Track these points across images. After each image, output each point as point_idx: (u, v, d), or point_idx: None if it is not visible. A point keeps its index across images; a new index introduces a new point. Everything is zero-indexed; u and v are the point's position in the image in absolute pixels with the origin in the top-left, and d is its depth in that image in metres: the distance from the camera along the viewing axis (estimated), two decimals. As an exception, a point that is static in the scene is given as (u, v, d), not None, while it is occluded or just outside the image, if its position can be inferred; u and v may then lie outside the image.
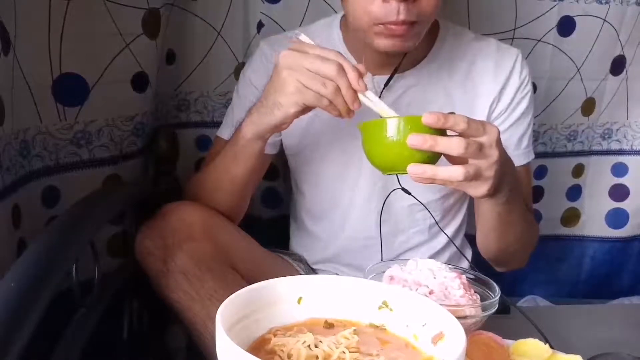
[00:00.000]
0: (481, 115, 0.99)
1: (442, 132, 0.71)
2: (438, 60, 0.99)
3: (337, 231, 1.07)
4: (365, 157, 1.00)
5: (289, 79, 0.76)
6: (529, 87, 1.01)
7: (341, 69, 0.74)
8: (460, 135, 0.70)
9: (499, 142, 0.72)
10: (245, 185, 0.95)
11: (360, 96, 0.76)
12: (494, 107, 1.00)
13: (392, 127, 0.71)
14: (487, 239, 0.97)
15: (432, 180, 0.70)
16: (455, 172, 0.70)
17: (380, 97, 0.96)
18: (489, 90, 1.00)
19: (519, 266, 1.07)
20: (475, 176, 0.71)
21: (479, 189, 0.74)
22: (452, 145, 0.69)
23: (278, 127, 0.83)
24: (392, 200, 1.00)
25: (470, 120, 0.70)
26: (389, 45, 0.85)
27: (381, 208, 0.99)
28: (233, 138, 0.91)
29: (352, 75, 0.74)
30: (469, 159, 0.71)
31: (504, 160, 0.75)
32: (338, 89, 0.75)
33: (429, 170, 0.69)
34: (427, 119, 0.69)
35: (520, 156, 1.03)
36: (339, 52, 0.76)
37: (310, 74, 0.75)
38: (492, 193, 0.75)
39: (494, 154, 0.71)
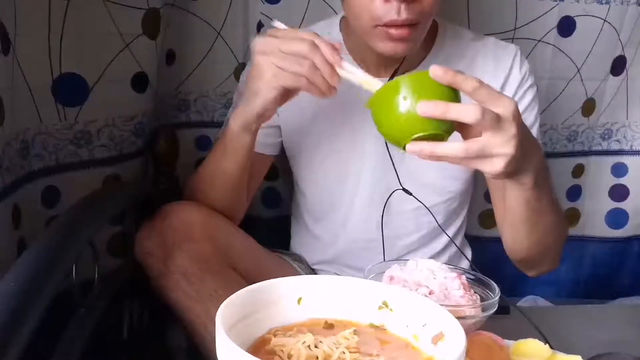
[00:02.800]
0: None
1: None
2: (437, 60, 0.98)
3: (338, 232, 1.07)
4: (365, 157, 1.00)
5: (264, 64, 0.76)
6: (531, 81, 1.00)
7: (314, 45, 0.73)
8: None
9: (517, 116, 0.66)
10: (238, 181, 0.94)
11: (339, 70, 0.74)
12: None
13: (399, 96, 0.64)
14: (518, 234, 0.91)
15: (436, 158, 0.66)
16: (455, 149, 0.65)
17: None
18: None
19: (552, 266, 1.02)
20: (482, 153, 0.66)
21: (494, 166, 0.67)
22: (467, 111, 0.62)
23: (262, 116, 0.82)
24: (396, 203, 1.00)
25: (484, 84, 0.65)
26: (390, 49, 0.85)
27: (382, 210, 0.99)
28: (222, 133, 0.90)
29: (326, 49, 0.73)
30: (483, 133, 0.65)
31: (526, 136, 0.69)
32: (314, 66, 0.73)
33: (426, 147, 0.65)
34: (435, 70, 0.63)
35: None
36: (314, 32, 0.76)
37: (284, 55, 0.74)
38: (513, 172, 0.70)
39: (512, 128, 0.65)
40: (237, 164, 0.90)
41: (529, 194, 0.79)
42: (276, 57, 0.75)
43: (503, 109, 0.65)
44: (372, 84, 0.71)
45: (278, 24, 0.78)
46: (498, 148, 0.65)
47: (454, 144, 0.65)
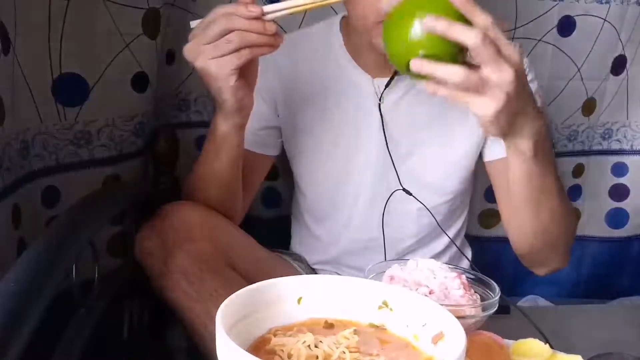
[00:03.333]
0: None
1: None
2: None
3: (338, 233, 1.07)
4: (366, 158, 1.00)
5: (203, 64, 0.74)
6: (531, 76, 0.98)
7: (228, 15, 0.71)
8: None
9: (519, 65, 0.66)
10: (232, 179, 0.93)
11: (267, 17, 0.72)
12: None
13: (409, 14, 0.65)
14: (522, 218, 0.89)
15: (434, 83, 0.65)
16: (455, 71, 0.64)
17: (380, 99, 0.97)
18: None
19: (561, 263, 1.00)
20: (479, 87, 0.65)
21: (486, 107, 0.66)
22: (469, 33, 0.63)
23: (241, 108, 0.81)
24: (396, 204, 1.00)
25: (496, 26, 0.65)
26: None
27: (383, 210, 0.99)
28: (210, 135, 0.89)
29: (240, 10, 0.71)
30: (482, 67, 0.64)
31: (525, 93, 0.69)
32: (242, 33, 0.72)
33: (426, 65, 0.64)
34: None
35: None
36: (222, 5, 0.73)
37: (211, 45, 0.72)
38: (507, 127, 0.70)
39: (510, 71, 0.64)
40: (230, 163, 0.89)
41: (530, 166, 0.78)
42: (206, 51, 0.73)
43: (507, 48, 0.65)
44: (295, 4, 0.72)
45: (193, 23, 0.76)
46: (494, 88, 0.65)
47: (455, 66, 0.64)
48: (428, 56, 0.65)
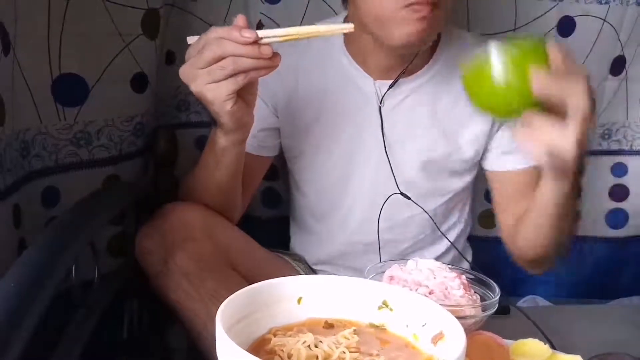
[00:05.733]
0: (487, 119, 0.99)
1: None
2: (441, 64, 0.98)
3: (338, 234, 1.07)
4: (365, 161, 1.00)
5: (199, 89, 0.73)
6: None
7: (221, 41, 0.68)
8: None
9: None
10: (232, 187, 0.93)
11: (262, 41, 0.69)
12: None
13: (498, 65, 0.63)
14: (539, 234, 0.91)
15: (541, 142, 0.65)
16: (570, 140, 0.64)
17: (381, 101, 0.97)
18: None
19: (553, 265, 1.02)
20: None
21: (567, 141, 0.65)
22: (580, 98, 0.65)
23: (240, 127, 0.80)
24: (394, 207, 1.00)
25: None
26: (413, 33, 0.83)
27: (379, 213, 0.99)
28: (209, 146, 0.88)
29: (233, 35, 0.68)
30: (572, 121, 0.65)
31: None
32: (236, 59, 0.69)
33: (537, 119, 0.64)
34: (554, 49, 0.64)
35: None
36: (215, 28, 0.70)
37: (205, 70, 0.70)
38: (567, 170, 0.70)
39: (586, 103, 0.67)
40: (230, 173, 0.89)
41: (567, 186, 0.78)
42: (201, 77, 0.71)
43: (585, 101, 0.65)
44: (292, 32, 0.69)
45: (189, 39, 0.74)
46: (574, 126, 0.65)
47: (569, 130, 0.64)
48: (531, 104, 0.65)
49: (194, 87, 0.73)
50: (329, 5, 1.17)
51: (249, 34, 0.68)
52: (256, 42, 0.68)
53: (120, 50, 0.98)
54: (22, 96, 0.87)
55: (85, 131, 0.98)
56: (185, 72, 0.73)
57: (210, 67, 0.70)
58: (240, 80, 0.71)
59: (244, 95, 0.75)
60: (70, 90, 0.94)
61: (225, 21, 1.16)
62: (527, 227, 0.94)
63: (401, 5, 0.82)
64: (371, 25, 0.87)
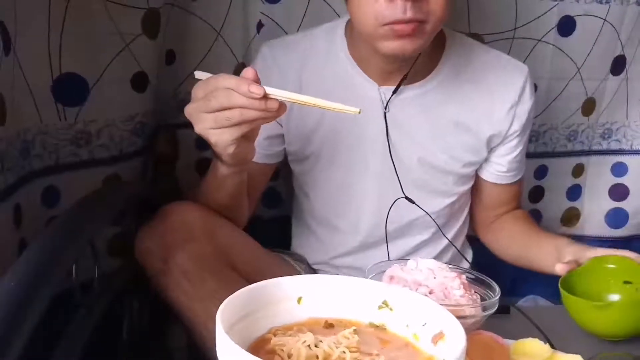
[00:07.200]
0: (492, 129, 1.01)
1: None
2: (446, 71, 0.98)
3: (341, 237, 1.07)
4: (369, 165, 1.00)
5: (204, 132, 0.73)
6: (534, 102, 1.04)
7: (230, 92, 0.69)
8: None
9: None
10: (236, 204, 0.95)
11: (270, 96, 0.69)
12: (507, 126, 1.01)
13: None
14: (512, 258, 1.12)
15: None
16: None
17: (386, 107, 0.97)
18: (500, 107, 1.00)
19: None
20: None
21: None
22: None
23: (241, 162, 0.82)
24: (400, 211, 1.01)
25: None
26: (397, 48, 0.84)
27: (386, 217, 0.99)
28: (211, 170, 0.89)
29: (242, 89, 0.68)
30: None
31: None
32: (242, 110, 0.70)
33: None
34: None
35: (523, 169, 1.09)
36: (224, 75, 0.71)
37: (211, 116, 0.71)
38: None
39: None
40: (233, 194, 0.91)
41: None
42: (207, 121, 0.72)
43: None
44: (300, 99, 0.70)
45: (198, 74, 0.74)
46: None
47: None
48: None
49: (198, 129, 0.74)
50: (329, 5, 1.17)
51: (257, 90, 0.68)
52: (264, 97, 0.69)
53: (121, 50, 0.98)
54: (23, 96, 0.87)
55: (85, 131, 0.98)
56: (190, 113, 0.74)
57: (216, 114, 0.71)
58: (244, 128, 0.72)
59: (247, 134, 0.75)
60: (70, 89, 0.94)
61: (226, 21, 1.16)
62: (506, 246, 1.11)
63: (380, 23, 0.82)
64: (364, 35, 0.88)
